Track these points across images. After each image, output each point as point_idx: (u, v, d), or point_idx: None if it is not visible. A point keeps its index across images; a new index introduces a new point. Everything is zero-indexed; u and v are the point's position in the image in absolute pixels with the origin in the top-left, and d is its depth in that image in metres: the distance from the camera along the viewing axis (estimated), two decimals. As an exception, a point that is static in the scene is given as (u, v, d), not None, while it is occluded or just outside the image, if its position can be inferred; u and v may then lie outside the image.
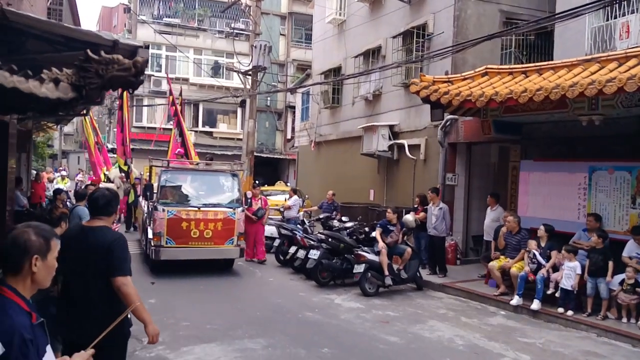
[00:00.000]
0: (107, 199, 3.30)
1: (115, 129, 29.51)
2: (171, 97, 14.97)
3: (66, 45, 3.98)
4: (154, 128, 26.82)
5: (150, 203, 9.32)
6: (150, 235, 9.01)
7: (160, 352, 5.37)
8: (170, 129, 16.53)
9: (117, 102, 13.44)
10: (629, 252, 7.17)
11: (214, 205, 9.32)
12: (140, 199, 12.45)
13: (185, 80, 27.30)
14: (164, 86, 26.63)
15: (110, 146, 28.59)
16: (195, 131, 26.78)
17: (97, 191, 3.47)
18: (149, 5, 28.08)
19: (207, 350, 5.51)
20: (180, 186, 9.55)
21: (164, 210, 8.86)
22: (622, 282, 6.99)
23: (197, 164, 10.34)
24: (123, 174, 14.95)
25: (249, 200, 10.82)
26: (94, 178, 17.77)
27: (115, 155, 27.53)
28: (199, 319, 6.67)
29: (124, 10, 31.99)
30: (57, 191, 10.51)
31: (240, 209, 9.53)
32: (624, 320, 6.91)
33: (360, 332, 6.49)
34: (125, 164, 13.39)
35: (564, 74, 7.57)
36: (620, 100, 6.99)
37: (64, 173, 22.24)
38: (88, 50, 3.23)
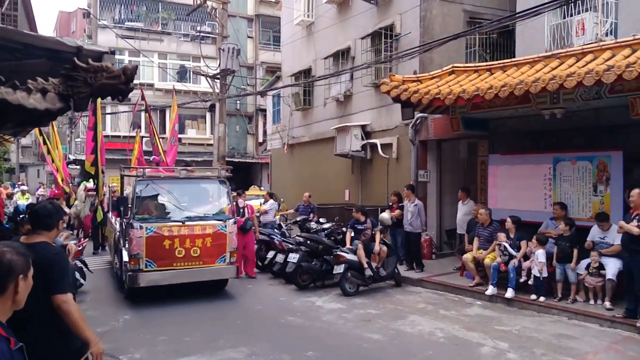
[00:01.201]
0: (48, 211, 3.12)
1: (77, 140, 28.96)
2: (144, 103, 14.68)
3: (25, 52, 3.89)
4: (118, 136, 26.32)
5: (125, 219, 8.05)
6: (125, 258, 7.73)
7: (139, 370, 5.22)
8: (134, 137, 16.29)
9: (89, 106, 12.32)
10: (592, 237, 7.54)
11: (201, 219, 8.09)
12: (110, 215, 11.19)
13: (151, 85, 26.87)
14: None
15: (72, 157, 27.92)
16: (163, 138, 26.38)
17: (38, 204, 3.33)
18: (110, 9, 27.47)
19: (187, 364, 5.39)
20: (160, 198, 8.29)
21: (141, 227, 7.57)
22: (588, 267, 7.36)
23: (177, 171, 8.83)
24: (93, 185, 13.45)
25: (241, 210, 9.85)
26: (56, 192, 16.86)
27: (77, 167, 26.87)
28: (177, 332, 6.47)
29: (83, 15, 31.23)
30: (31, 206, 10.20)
31: (232, 220, 8.34)
32: (591, 302, 7.28)
33: (343, 333, 6.56)
34: (96, 175, 11.49)
35: (526, 70, 7.90)
36: (580, 94, 7.35)
37: (24, 188, 21.09)
38: (75, 59, 3.22)
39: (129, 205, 7.95)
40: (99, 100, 10.99)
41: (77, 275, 7.95)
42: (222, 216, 8.41)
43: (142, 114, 26.92)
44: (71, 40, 3.96)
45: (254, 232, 10.09)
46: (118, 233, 8.78)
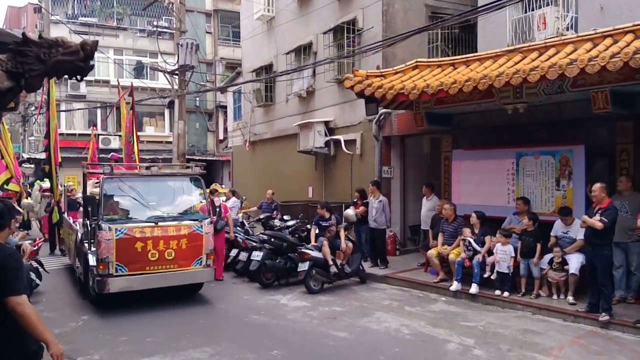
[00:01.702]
0: None
1: (31, 138, 27.60)
2: (130, 100, 13.85)
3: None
4: (74, 134, 25.32)
5: (92, 221, 7.40)
6: (92, 262, 7.11)
7: (97, 372, 4.99)
8: (88, 135, 15.50)
9: (40, 99, 11.14)
10: (556, 231, 7.58)
11: (175, 219, 7.56)
12: (66, 215, 10.70)
13: (106, 82, 25.96)
14: (82, 89, 25.19)
15: (25, 156, 26.58)
16: (119, 136, 25.48)
17: None
18: (63, 4, 26.40)
19: (149, 364, 5.18)
20: (130, 197, 7.65)
21: (110, 228, 6.96)
22: (551, 262, 7.38)
23: (147, 167, 8.34)
24: (47, 186, 12.54)
25: (217, 210, 9.35)
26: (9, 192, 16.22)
27: (31, 166, 25.54)
28: (138, 332, 6.28)
29: (35, 10, 29.79)
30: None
31: (208, 220, 7.81)
32: (555, 297, 7.30)
33: (308, 331, 6.40)
34: (50, 174, 10.44)
35: (489, 65, 7.88)
36: (543, 88, 7.36)
37: None
38: (25, 32, 2.86)
39: (97, 205, 7.30)
40: (52, 83, 9.84)
41: (33, 275, 7.73)
42: (197, 216, 7.89)
43: (98, 111, 26.03)
44: (18, 32, 3.59)
45: (227, 233, 9.59)
46: (81, 235, 8.09)
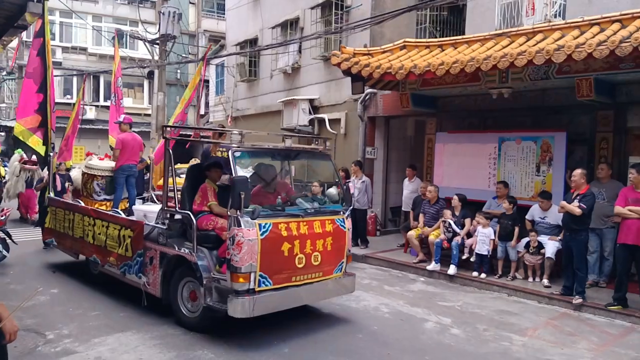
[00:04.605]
0: None
1: (2, 105, 26.53)
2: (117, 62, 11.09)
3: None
4: (57, 103, 24.49)
5: (230, 212, 4.95)
6: (226, 277, 4.94)
7: (67, 346, 4.83)
8: (65, 103, 12.82)
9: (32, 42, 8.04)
10: (532, 216, 7.71)
11: (318, 211, 5.70)
12: (51, 194, 8.33)
13: (84, 49, 25.22)
14: (58, 56, 24.35)
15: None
16: (96, 106, 24.91)
17: None
18: (39, -34, 25.27)
19: (122, 339, 5.03)
20: (261, 181, 5.82)
21: (253, 224, 4.93)
22: (527, 245, 7.53)
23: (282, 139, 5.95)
24: (33, 157, 10.09)
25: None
26: None
27: (1, 134, 24.37)
28: (110, 307, 6.08)
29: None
30: None
31: (348, 212, 6.17)
32: (530, 279, 7.48)
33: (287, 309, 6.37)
34: (46, 141, 7.82)
35: (477, 48, 7.87)
36: (529, 74, 7.40)
37: None
38: None
39: (241, 192, 4.84)
40: (47, 20, 7.59)
41: (0, 247, 7.49)
42: (334, 206, 6.05)
43: (74, 79, 25.18)
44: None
45: None
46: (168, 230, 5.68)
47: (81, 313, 5.84)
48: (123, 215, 6.74)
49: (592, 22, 6.85)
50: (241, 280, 4.86)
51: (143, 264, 5.86)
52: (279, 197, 5.74)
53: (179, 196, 5.71)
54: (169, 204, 5.76)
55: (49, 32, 7.97)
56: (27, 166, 11.53)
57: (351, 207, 7.05)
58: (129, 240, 6.08)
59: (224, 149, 6.42)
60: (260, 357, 4.72)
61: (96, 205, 7.72)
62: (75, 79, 25.02)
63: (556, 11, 8.14)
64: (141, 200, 8.26)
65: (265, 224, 5.01)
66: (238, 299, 4.83)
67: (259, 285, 4.95)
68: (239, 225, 4.87)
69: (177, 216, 5.67)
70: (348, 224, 5.96)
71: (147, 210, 6.79)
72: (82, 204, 7.61)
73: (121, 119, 8.56)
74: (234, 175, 4.99)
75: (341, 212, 5.91)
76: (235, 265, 4.83)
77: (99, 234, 6.65)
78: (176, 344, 4.99)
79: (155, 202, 7.98)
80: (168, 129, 6.06)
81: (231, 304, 4.85)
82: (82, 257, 7.42)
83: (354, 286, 6.11)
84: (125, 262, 6.15)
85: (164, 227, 5.71)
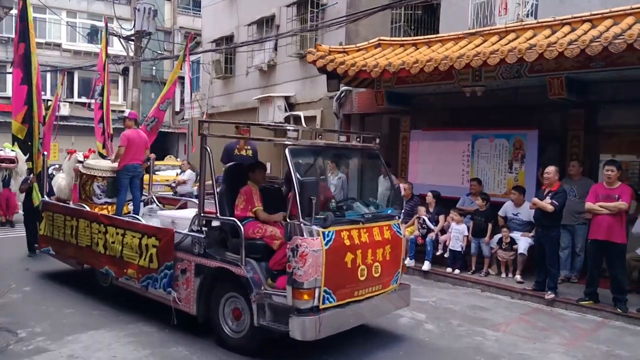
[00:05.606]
0: None
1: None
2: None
3: None
4: (7, 98, 23.72)
5: (296, 222, 4.33)
6: (286, 293, 4.31)
7: (40, 344, 4.78)
8: (43, 100, 11.80)
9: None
10: (505, 212, 7.81)
11: (375, 216, 5.10)
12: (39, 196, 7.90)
13: (58, 45, 24.63)
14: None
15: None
16: (70, 102, 24.32)
17: None
18: (10, -41, 24.58)
19: (95, 337, 5.00)
20: (319, 183, 5.11)
21: (317, 233, 4.32)
22: (500, 241, 7.63)
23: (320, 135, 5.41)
24: (11, 154, 8.87)
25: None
26: None
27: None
28: (84, 305, 6.03)
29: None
30: None
31: (401, 217, 5.75)
32: (503, 275, 7.58)
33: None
34: (30, 134, 7.65)
35: (451, 47, 7.93)
36: (501, 72, 7.49)
37: None
38: None
39: (312, 199, 4.27)
40: (29, 3, 7.35)
41: None
42: (388, 210, 5.50)
43: (48, 75, 24.41)
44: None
45: None
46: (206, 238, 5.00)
47: (54, 311, 5.77)
48: (144, 222, 5.96)
49: (563, 21, 6.97)
50: (305, 297, 4.25)
51: (173, 277, 5.14)
52: (332, 200, 5.25)
53: (218, 200, 5.04)
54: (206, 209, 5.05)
55: (31, 14, 7.48)
56: (3, 165, 9.88)
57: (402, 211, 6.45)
58: (154, 251, 5.33)
59: (249, 147, 6.31)
60: (235, 353, 4.67)
61: (96, 210, 6.81)
62: (49, 75, 24.38)
63: (528, 11, 8.26)
64: (142, 203, 7.45)
65: (329, 232, 4.40)
66: (302, 318, 4.23)
67: (323, 302, 4.36)
68: (302, 234, 4.28)
69: (215, 223, 5.04)
70: (403, 229, 5.58)
71: (176, 217, 6.04)
72: (88, 208, 6.70)
73: (126, 114, 7.76)
74: (294, 177, 4.33)
75: (396, 217, 5.37)
76: (299, 280, 4.21)
77: (113, 242, 5.85)
78: (150, 342, 4.94)
79: (158, 205, 7.41)
80: (205, 124, 5.28)
81: (294, 324, 4.22)
82: (87, 266, 6.70)
83: (409, 299, 5.53)
84: (149, 275, 5.39)
85: (202, 236, 4.98)
